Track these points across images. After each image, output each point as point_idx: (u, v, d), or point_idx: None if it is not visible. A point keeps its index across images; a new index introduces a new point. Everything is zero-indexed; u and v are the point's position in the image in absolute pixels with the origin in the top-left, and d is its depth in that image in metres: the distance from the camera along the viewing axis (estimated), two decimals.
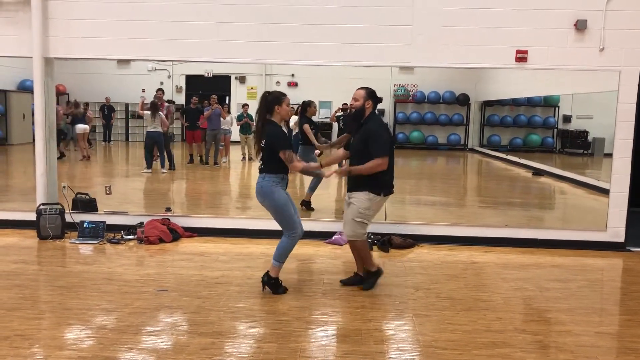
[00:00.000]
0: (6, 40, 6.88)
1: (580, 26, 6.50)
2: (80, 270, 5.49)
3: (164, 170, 11.67)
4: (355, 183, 4.91)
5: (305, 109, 8.27)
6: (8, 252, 6.07)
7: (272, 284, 4.84)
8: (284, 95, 4.81)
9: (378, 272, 5.11)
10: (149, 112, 11.43)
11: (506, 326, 4.29)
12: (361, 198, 4.83)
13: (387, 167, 4.83)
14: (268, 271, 4.87)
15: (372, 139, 4.77)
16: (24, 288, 4.91)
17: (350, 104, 5.00)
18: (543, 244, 6.82)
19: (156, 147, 11.59)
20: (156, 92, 12.33)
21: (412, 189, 11.80)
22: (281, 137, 4.71)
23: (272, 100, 4.75)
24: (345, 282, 5.16)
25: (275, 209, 4.73)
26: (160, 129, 11.62)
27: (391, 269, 5.77)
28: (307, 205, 8.08)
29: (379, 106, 17.35)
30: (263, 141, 4.74)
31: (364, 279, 5.09)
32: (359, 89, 4.95)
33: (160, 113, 11.69)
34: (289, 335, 4.01)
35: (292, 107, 8.14)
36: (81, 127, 13.39)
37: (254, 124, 4.91)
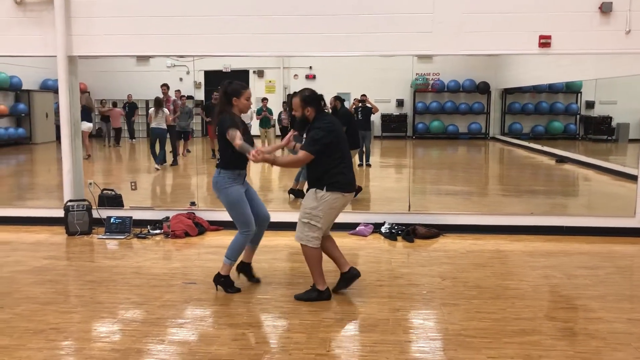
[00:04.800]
0: (31, 40, 6.98)
1: (605, 9, 6.37)
2: (109, 265, 5.58)
3: (158, 167, 11.67)
4: (309, 182, 4.62)
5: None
6: (38, 248, 6.19)
7: (223, 282, 4.69)
8: (245, 87, 4.60)
9: (322, 295, 4.53)
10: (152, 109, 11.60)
11: (535, 314, 4.25)
12: (308, 196, 4.49)
13: (339, 164, 4.41)
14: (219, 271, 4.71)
15: (309, 135, 4.47)
16: (56, 283, 5.00)
17: (294, 114, 4.65)
18: (570, 231, 6.73)
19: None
20: (161, 87, 12.42)
21: (434, 179, 11.75)
22: (227, 120, 4.47)
23: (230, 92, 4.55)
24: (335, 290, 4.70)
25: (229, 205, 4.57)
26: (163, 125, 11.71)
27: (417, 259, 5.76)
28: (296, 193, 8.12)
29: (399, 95, 17.28)
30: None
31: (313, 287, 4.59)
32: (293, 97, 4.54)
33: (165, 109, 11.77)
34: (317, 325, 4.04)
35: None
36: (88, 125, 13.55)
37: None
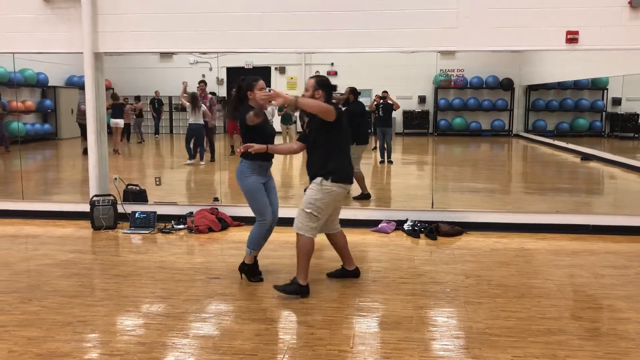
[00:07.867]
0: (58, 37, 7.08)
1: (636, 4, 6.23)
2: (134, 259, 5.64)
3: (202, 162, 11.93)
4: (314, 171, 4.64)
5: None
6: (65, 242, 6.29)
7: (247, 271, 4.88)
8: (256, 79, 4.74)
9: (302, 290, 4.51)
10: (188, 103, 11.71)
11: (561, 313, 4.20)
12: (313, 187, 4.54)
13: (338, 155, 4.52)
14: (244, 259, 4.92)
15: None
16: (82, 277, 5.08)
17: (302, 94, 4.70)
18: (596, 230, 6.62)
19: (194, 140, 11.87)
20: (198, 84, 12.58)
21: (457, 176, 11.65)
22: (246, 110, 4.66)
23: (245, 88, 4.73)
24: (330, 275, 5.02)
25: (247, 194, 4.77)
26: (201, 121, 11.87)
27: (440, 257, 5.72)
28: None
29: (421, 92, 17.28)
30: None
31: (294, 280, 4.57)
32: (310, 78, 4.70)
33: (203, 105, 11.92)
34: (341, 321, 4.04)
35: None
36: (120, 122, 13.81)
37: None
